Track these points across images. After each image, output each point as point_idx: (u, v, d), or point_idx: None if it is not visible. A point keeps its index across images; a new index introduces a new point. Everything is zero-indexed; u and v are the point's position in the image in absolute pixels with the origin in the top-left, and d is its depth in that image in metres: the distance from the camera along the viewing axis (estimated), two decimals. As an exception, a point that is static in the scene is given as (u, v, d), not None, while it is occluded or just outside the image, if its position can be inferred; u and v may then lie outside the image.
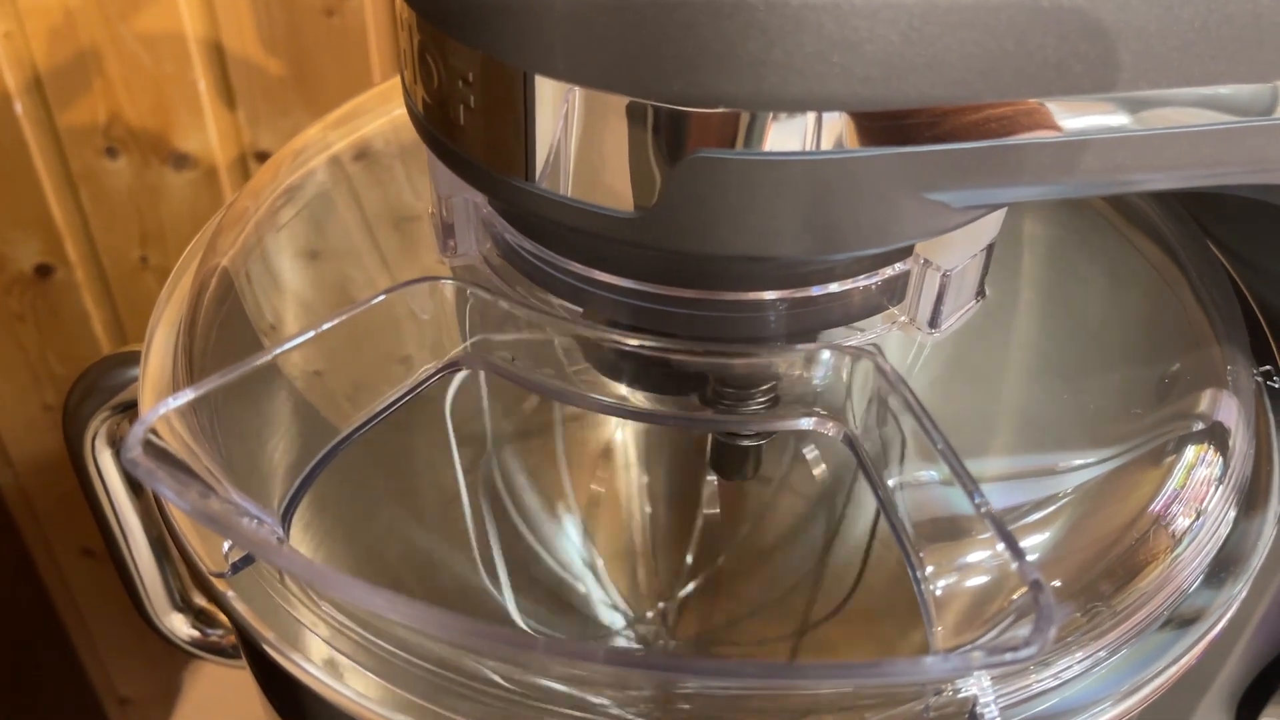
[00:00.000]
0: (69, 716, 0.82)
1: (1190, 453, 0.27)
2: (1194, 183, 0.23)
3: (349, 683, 0.24)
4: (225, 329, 0.31)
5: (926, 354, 0.27)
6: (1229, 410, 0.28)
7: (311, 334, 0.22)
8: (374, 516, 0.33)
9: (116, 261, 0.68)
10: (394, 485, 0.34)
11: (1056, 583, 0.25)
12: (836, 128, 0.20)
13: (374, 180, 0.36)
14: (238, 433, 0.29)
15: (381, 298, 0.23)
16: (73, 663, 0.81)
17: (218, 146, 0.64)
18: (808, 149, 0.20)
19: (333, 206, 0.36)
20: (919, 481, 0.23)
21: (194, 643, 0.39)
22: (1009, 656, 0.17)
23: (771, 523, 0.34)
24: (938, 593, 0.22)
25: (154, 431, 0.22)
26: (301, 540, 0.31)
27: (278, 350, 0.22)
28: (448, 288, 0.24)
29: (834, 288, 0.25)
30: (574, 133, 0.21)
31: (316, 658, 0.24)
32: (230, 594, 0.24)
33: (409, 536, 0.33)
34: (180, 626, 0.39)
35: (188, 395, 0.20)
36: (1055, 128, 0.21)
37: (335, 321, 0.22)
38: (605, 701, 0.23)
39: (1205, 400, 0.28)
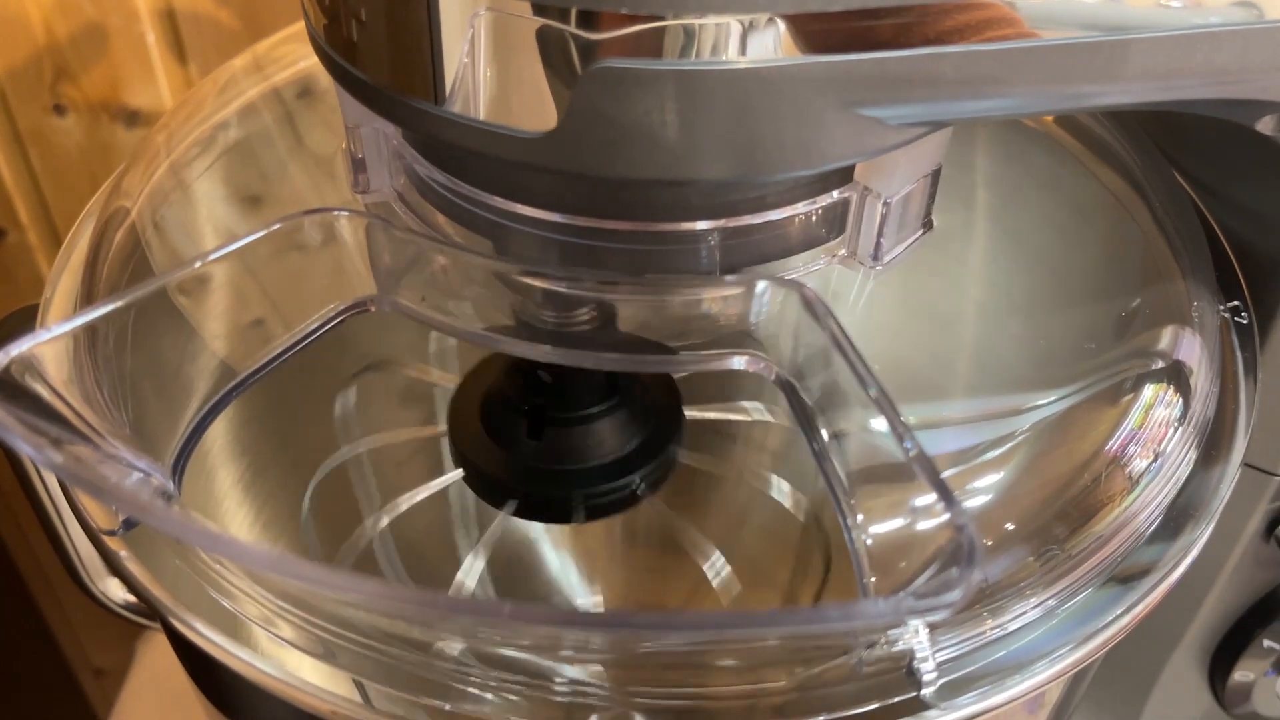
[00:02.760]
0: (43, 689, 0.81)
1: (1149, 392, 0.25)
2: (1151, 97, 0.21)
3: (253, 645, 0.23)
4: (136, 278, 0.29)
5: (873, 289, 0.25)
6: (1191, 348, 0.26)
7: (196, 265, 0.20)
8: (319, 478, 0.31)
9: (70, 223, 0.66)
10: (340, 447, 0.32)
11: (1009, 525, 0.24)
12: (755, 34, 0.19)
13: (317, 119, 0.35)
14: (152, 392, 0.28)
15: (278, 225, 0.22)
16: (45, 636, 0.80)
17: (170, 102, 0.62)
18: (723, 58, 0.19)
19: (268, 144, 0.34)
20: (855, 425, 0.22)
21: (129, 607, 0.37)
22: (933, 601, 0.16)
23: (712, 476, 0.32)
24: (869, 542, 0.20)
25: (32, 377, 0.21)
26: (241, 504, 0.30)
27: (158, 282, 0.21)
28: (344, 220, 0.23)
29: (769, 216, 0.23)
30: (478, 47, 0.20)
31: (216, 620, 0.23)
32: (123, 553, 0.23)
33: (355, 499, 0.32)
34: (116, 591, 0.37)
35: (48, 334, 0.19)
36: (995, 33, 0.19)
37: (221, 253, 0.21)
38: (515, 654, 0.22)
39: (1166, 337, 0.26)
